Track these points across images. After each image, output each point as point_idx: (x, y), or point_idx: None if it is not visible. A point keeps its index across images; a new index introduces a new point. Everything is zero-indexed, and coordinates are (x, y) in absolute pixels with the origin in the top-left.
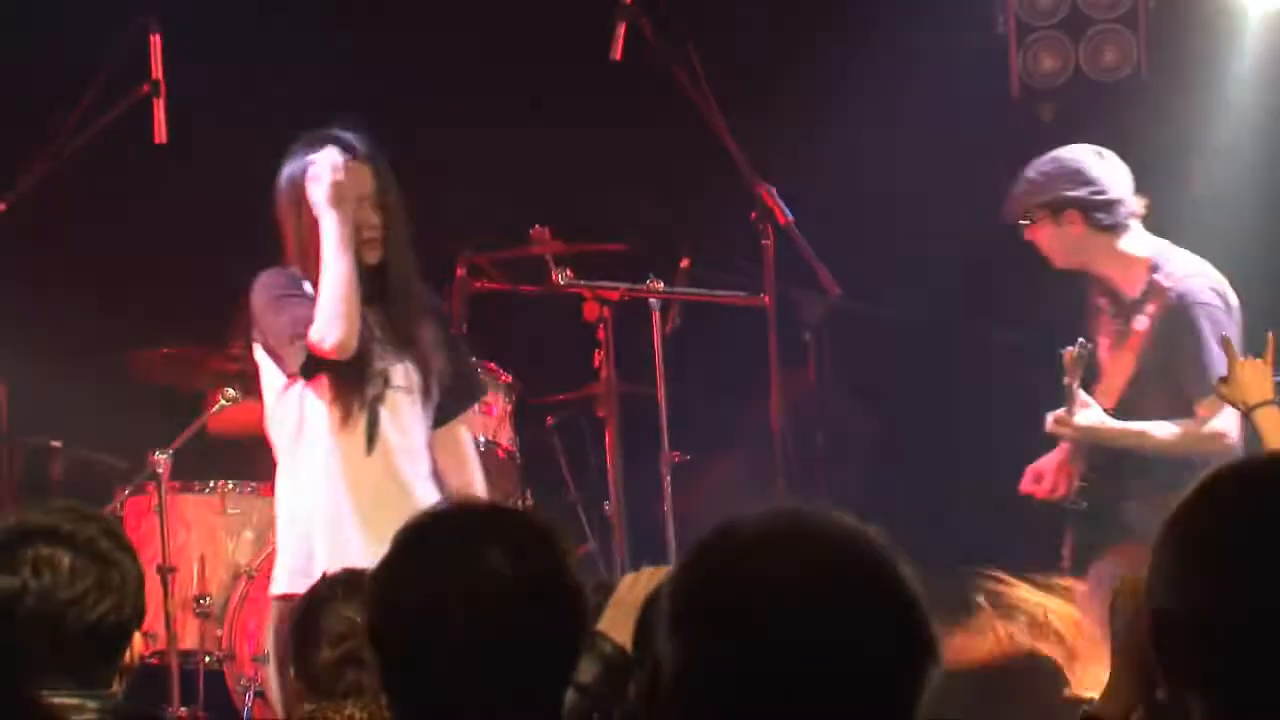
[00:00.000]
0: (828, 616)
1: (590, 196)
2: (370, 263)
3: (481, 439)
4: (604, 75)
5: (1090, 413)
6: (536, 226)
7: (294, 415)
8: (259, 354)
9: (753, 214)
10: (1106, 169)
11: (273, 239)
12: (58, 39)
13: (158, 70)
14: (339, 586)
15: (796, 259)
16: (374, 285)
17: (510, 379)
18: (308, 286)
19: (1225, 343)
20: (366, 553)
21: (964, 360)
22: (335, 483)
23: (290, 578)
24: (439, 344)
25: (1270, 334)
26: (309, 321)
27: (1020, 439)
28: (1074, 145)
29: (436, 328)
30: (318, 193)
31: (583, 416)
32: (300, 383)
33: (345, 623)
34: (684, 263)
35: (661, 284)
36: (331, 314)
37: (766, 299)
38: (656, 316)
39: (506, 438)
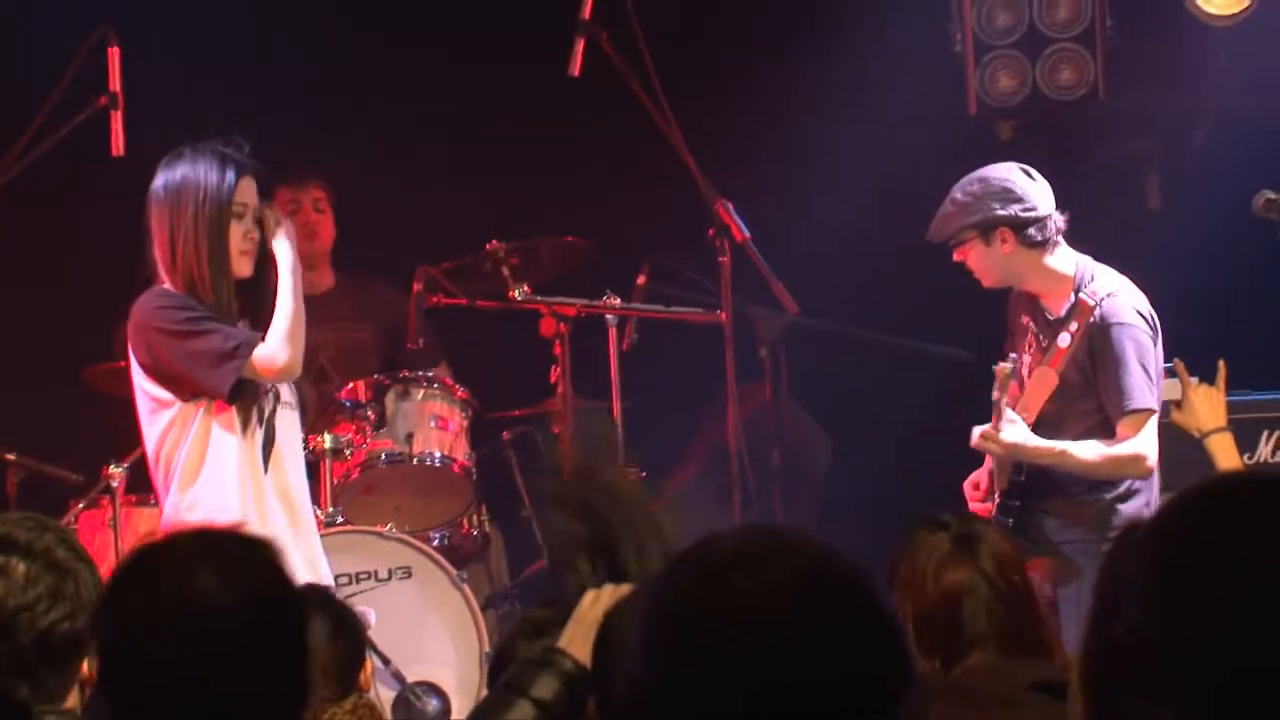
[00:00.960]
0: (806, 635)
1: (548, 211)
2: (245, 274)
3: (438, 454)
4: (563, 90)
5: (1016, 429)
6: (493, 240)
7: (199, 438)
8: (140, 378)
9: (710, 230)
10: (1034, 186)
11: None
12: (15, 52)
13: (115, 83)
14: None
15: (753, 275)
16: (248, 298)
17: (466, 394)
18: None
19: (1179, 368)
20: None
21: (918, 376)
22: (246, 501)
23: None
24: None
25: (1221, 361)
26: (239, 343)
27: (967, 455)
28: (998, 164)
29: None
30: (278, 227)
31: (539, 432)
32: (203, 406)
33: None
34: (641, 279)
35: (618, 300)
36: (287, 335)
37: (723, 315)
38: (613, 332)
39: (462, 453)
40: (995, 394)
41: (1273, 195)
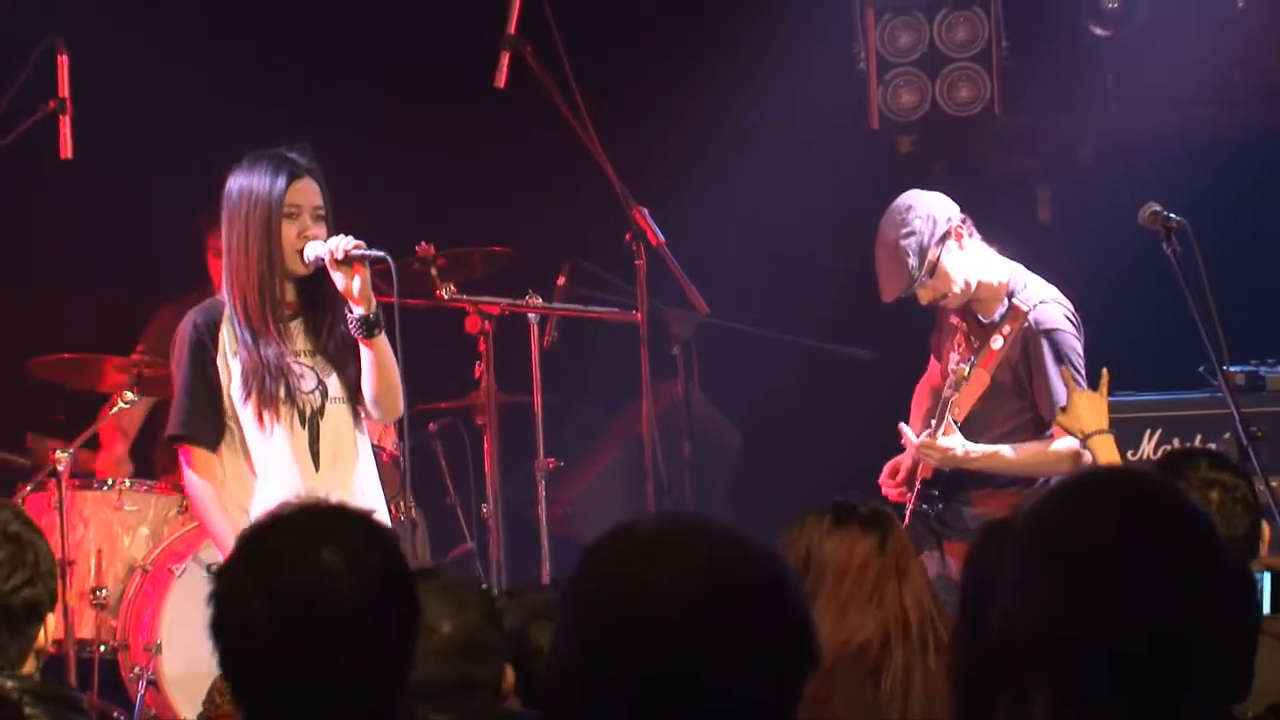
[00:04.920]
0: (720, 617)
1: (474, 215)
2: (301, 273)
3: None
4: (489, 101)
5: (953, 437)
6: (422, 243)
7: (237, 448)
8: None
9: (627, 235)
10: (942, 199)
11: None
12: None
13: (64, 88)
14: None
15: (668, 277)
16: (307, 294)
17: None
18: (226, 336)
19: (1065, 375)
20: None
21: (820, 375)
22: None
23: None
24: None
25: (1105, 370)
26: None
27: (867, 447)
28: (904, 196)
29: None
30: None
31: (463, 423)
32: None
33: None
34: (561, 280)
35: (540, 299)
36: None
37: (639, 315)
38: (535, 330)
39: (390, 442)
40: (947, 392)
41: (1157, 207)
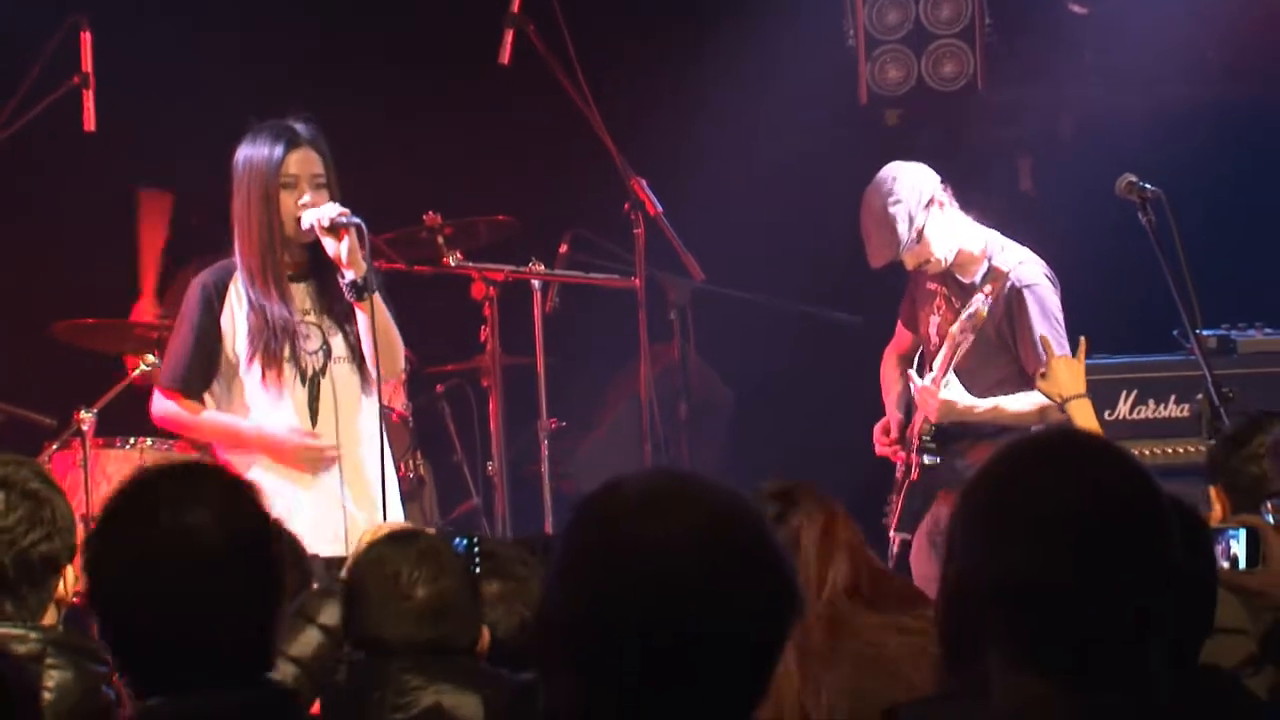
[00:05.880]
0: (707, 570)
1: (479, 186)
2: (303, 239)
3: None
4: (495, 76)
5: (954, 389)
6: (429, 213)
7: (239, 403)
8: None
9: (626, 205)
10: (923, 169)
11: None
12: None
13: (87, 64)
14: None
15: (665, 246)
16: (310, 259)
17: (405, 350)
18: (233, 296)
19: (1044, 342)
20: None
21: (808, 338)
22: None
23: None
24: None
25: (1083, 337)
26: (166, 373)
27: (852, 406)
28: (888, 168)
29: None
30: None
31: (469, 385)
32: (233, 372)
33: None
34: (563, 247)
35: (542, 266)
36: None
37: (637, 281)
38: (537, 296)
39: (400, 403)
40: (959, 335)
41: (1133, 178)
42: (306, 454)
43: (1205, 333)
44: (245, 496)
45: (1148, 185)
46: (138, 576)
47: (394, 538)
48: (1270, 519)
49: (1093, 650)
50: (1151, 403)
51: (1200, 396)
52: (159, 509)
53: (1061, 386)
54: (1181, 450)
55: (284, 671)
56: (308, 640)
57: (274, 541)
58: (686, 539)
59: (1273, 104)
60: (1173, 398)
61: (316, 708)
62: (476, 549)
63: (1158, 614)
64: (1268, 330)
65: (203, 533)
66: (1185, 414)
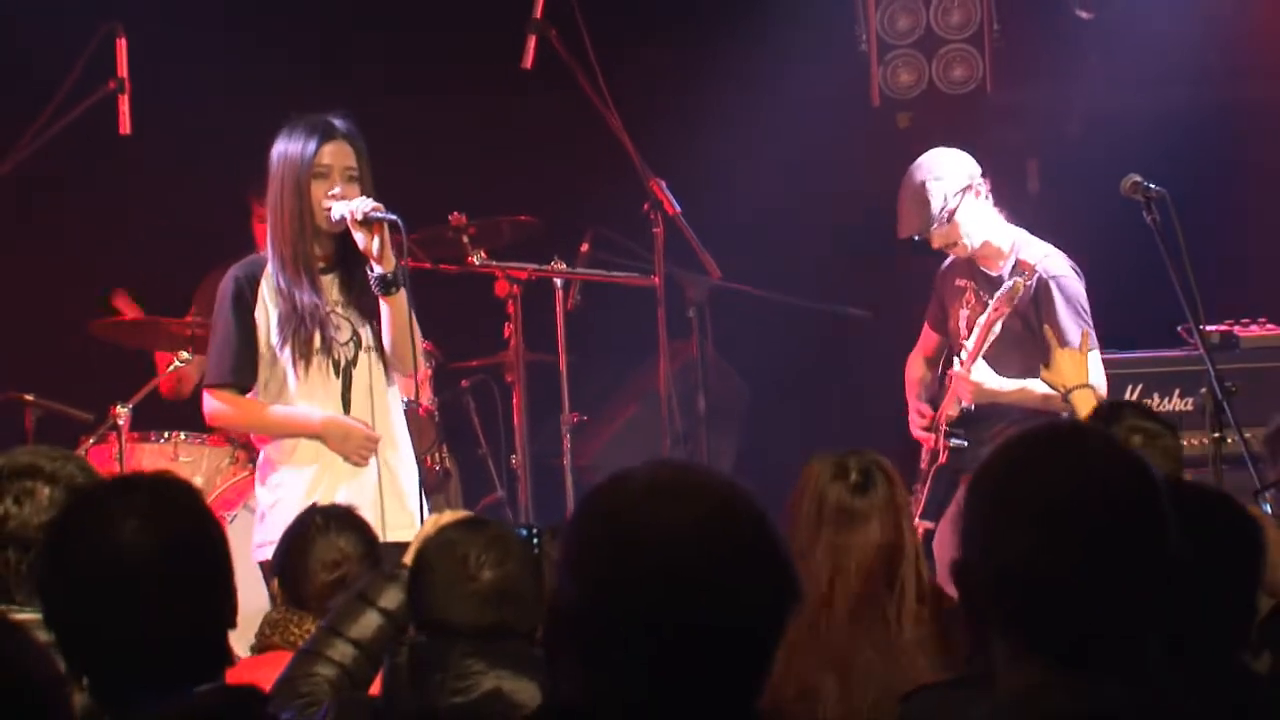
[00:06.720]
0: (711, 560)
1: (503, 187)
2: (332, 230)
3: (404, 399)
4: (517, 81)
5: (982, 370)
6: (455, 213)
7: (275, 394)
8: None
9: (645, 205)
10: (968, 157)
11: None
12: (33, 43)
13: (123, 69)
14: (331, 519)
15: (683, 245)
16: (340, 251)
17: (430, 346)
18: (265, 289)
19: (1050, 334)
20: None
21: (823, 334)
22: (320, 452)
23: None
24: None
25: (1085, 331)
26: (213, 370)
27: (865, 399)
28: (937, 149)
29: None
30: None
31: (494, 380)
32: (268, 366)
33: (338, 551)
34: (584, 246)
35: (564, 265)
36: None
37: (656, 280)
38: (559, 294)
39: (426, 398)
40: (992, 314)
41: (1138, 178)
42: (368, 445)
43: (1209, 328)
44: (175, 500)
45: (1152, 185)
46: (81, 594)
47: (464, 523)
48: (1268, 509)
49: (1093, 640)
50: (1156, 396)
51: (1204, 390)
52: (93, 527)
53: (1065, 377)
54: (1185, 443)
55: (342, 652)
56: (367, 623)
57: (209, 539)
58: (692, 531)
59: (1275, 104)
60: (1177, 391)
61: (375, 688)
62: (537, 540)
63: (1158, 606)
64: (1269, 326)
65: (134, 546)
66: (1189, 407)
